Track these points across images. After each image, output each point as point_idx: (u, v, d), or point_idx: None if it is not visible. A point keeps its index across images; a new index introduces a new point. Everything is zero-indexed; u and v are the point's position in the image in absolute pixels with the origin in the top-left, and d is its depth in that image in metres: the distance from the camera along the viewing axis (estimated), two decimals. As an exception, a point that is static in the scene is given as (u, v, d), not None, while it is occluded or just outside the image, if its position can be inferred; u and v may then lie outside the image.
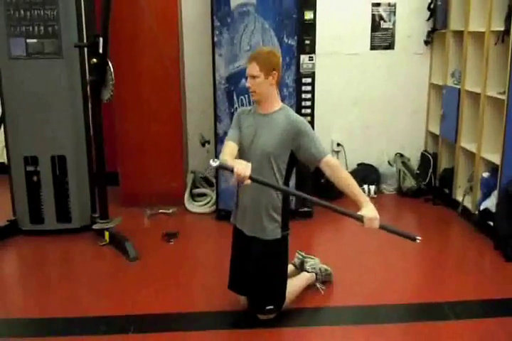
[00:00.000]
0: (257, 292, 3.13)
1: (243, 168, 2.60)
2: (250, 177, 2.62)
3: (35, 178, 4.32)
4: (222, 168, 2.67)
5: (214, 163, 2.55)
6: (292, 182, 3.95)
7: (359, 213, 2.79)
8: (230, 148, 2.96)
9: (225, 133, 4.10)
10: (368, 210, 2.78)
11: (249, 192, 3.02)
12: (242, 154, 3.04)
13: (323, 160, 2.92)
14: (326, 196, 5.00)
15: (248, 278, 3.14)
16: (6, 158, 4.42)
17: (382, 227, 2.79)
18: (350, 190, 2.88)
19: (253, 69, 2.93)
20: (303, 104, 4.50)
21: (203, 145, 2.99)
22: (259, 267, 3.09)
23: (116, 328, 3.12)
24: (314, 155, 2.94)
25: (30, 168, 4.30)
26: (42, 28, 4.10)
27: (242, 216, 3.13)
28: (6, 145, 4.38)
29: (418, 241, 2.77)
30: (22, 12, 4.07)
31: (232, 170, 2.61)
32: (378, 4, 5.30)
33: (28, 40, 4.11)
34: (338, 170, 2.93)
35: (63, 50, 4.15)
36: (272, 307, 3.11)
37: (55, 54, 4.15)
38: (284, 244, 3.12)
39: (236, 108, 4.33)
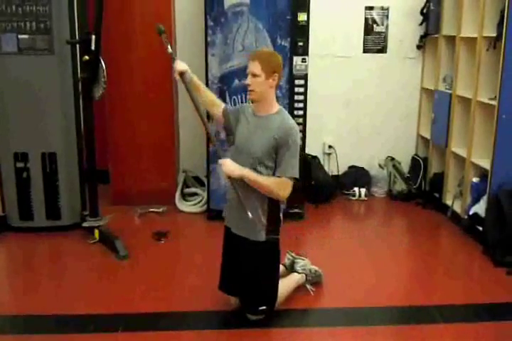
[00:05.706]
0: (248, 293, 3.12)
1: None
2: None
3: (24, 174, 4.30)
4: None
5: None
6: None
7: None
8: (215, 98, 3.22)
9: (217, 132, 4.13)
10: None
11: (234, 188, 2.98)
12: (234, 151, 3.05)
13: (280, 178, 2.92)
14: (315, 198, 5.08)
15: (239, 279, 3.13)
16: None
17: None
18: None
19: (255, 67, 2.90)
20: (295, 105, 4.51)
21: (159, 34, 3.12)
22: (248, 267, 3.08)
23: (105, 327, 3.10)
24: (279, 169, 2.93)
25: (20, 165, 4.28)
26: (34, 23, 4.09)
27: (228, 212, 3.14)
28: (-4, 141, 4.35)
29: None
30: (14, 7, 4.06)
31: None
32: (371, 8, 5.32)
33: (20, 36, 4.10)
34: (275, 186, 2.92)
35: (55, 47, 4.13)
36: (264, 307, 3.10)
37: (47, 50, 4.13)
38: (273, 247, 3.09)
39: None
